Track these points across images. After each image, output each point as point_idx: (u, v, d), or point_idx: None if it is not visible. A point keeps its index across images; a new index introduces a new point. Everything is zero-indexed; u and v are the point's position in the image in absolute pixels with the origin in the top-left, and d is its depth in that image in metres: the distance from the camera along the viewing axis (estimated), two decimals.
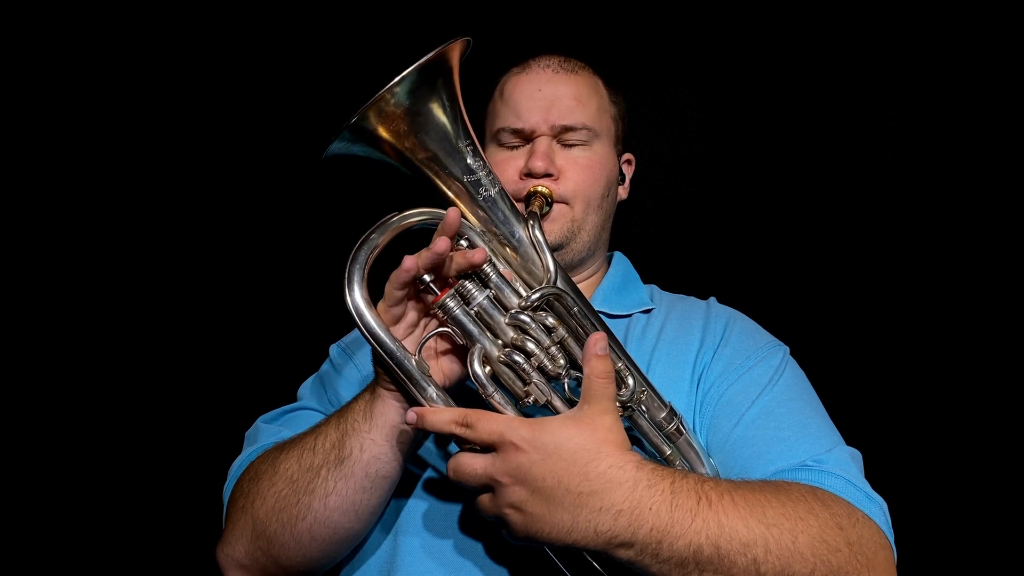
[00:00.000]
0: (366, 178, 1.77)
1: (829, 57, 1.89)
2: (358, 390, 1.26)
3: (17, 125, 1.87)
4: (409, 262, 0.92)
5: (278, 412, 1.28)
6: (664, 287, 1.49)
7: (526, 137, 1.30)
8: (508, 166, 1.29)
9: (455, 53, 1.02)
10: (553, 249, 1.17)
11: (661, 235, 2.01)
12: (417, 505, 1.10)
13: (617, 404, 0.93)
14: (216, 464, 1.28)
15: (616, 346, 1.05)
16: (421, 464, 1.13)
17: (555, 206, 1.27)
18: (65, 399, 1.88)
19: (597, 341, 0.90)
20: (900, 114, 1.85)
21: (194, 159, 1.96)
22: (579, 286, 1.34)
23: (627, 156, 1.49)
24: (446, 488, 1.09)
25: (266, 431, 1.21)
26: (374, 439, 0.99)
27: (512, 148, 1.32)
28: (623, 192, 1.48)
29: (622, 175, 1.47)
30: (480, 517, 0.92)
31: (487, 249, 0.98)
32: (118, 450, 1.89)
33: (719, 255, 1.96)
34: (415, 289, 0.98)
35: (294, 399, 1.34)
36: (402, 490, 1.10)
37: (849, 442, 1.12)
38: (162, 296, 1.94)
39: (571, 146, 1.31)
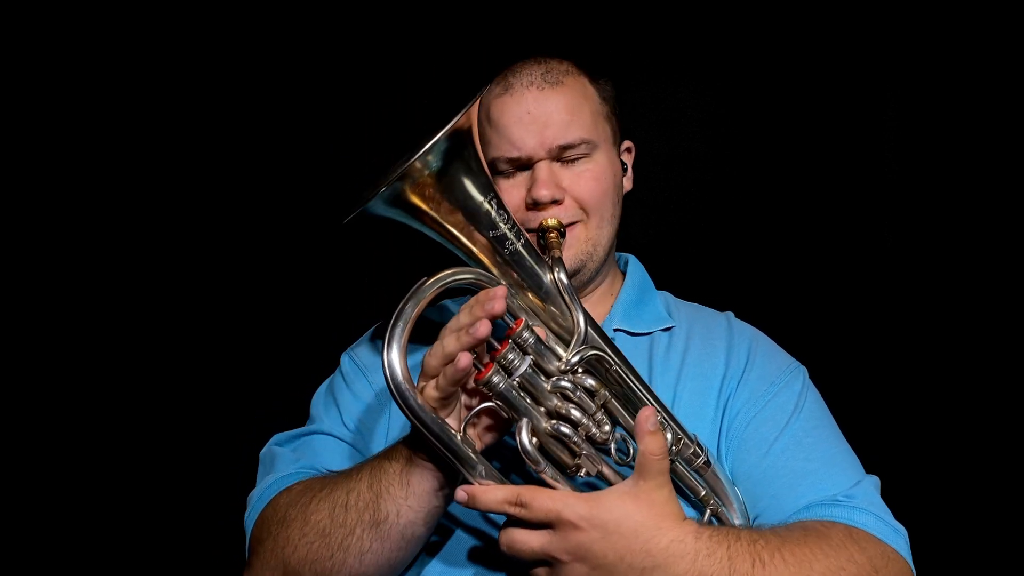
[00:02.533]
0: None
1: (829, 57, 1.88)
2: (370, 408, 1.25)
3: (35, 132, 1.87)
4: (464, 360, 0.89)
5: (292, 434, 1.25)
6: (664, 288, 1.48)
7: (524, 165, 1.24)
8: (510, 195, 1.23)
9: (475, 108, 0.99)
10: (572, 274, 1.16)
11: (661, 235, 2.01)
12: (460, 570, 1.09)
13: None
14: (228, 471, 1.29)
15: (655, 401, 1.06)
16: (462, 524, 1.12)
17: (568, 231, 1.23)
18: (78, 410, 1.89)
19: (648, 418, 0.89)
20: (900, 114, 1.86)
21: (212, 173, 1.97)
22: (595, 298, 1.34)
23: (627, 144, 1.41)
24: (490, 554, 1.09)
25: (282, 457, 1.19)
26: (410, 506, 0.98)
27: (510, 175, 1.25)
28: (627, 183, 1.41)
29: (624, 166, 1.40)
30: None
31: (524, 317, 0.97)
32: (127, 451, 1.90)
33: (719, 255, 1.97)
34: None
35: (305, 404, 1.32)
36: (445, 551, 1.10)
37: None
38: (177, 304, 1.95)
39: (572, 161, 1.25)
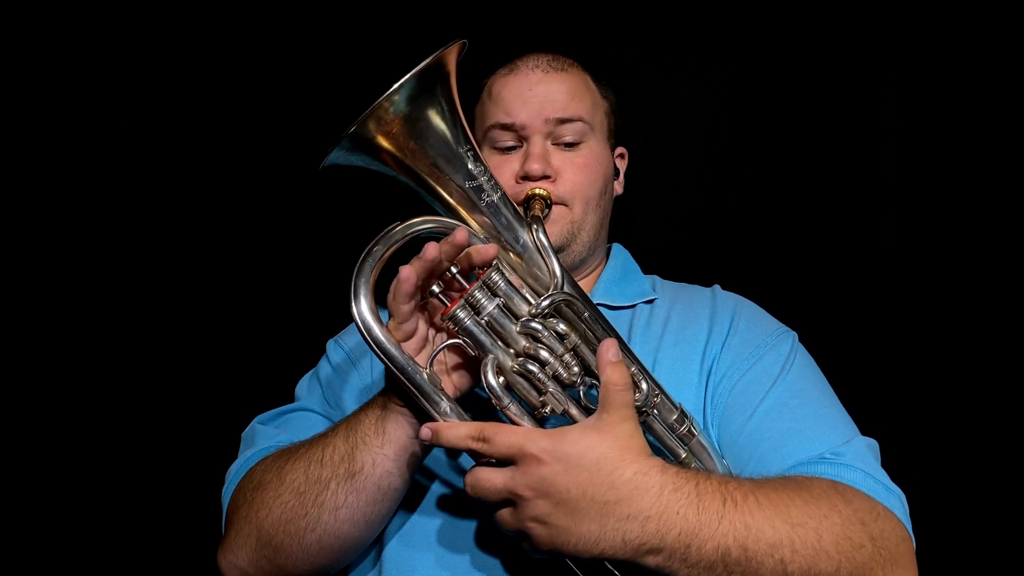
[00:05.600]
0: (362, 173, 1.75)
1: (829, 57, 1.88)
2: (356, 388, 1.26)
3: (20, 127, 1.87)
4: (405, 272, 0.90)
5: (275, 413, 1.25)
6: None
7: (518, 133, 1.27)
8: (503, 169, 1.26)
9: (452, 56, 0.99)
10: (557, 250, 1.14)
11: (661, 235, 2.00)
12: (429, 519, 1.08)
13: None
14: (213, 463, 1.26)
15: (626, 351, 1.03)
16: (430, 475, 1.11)
17: (554, 208, 1.24)
18: (65, 398, 1.88)
19: (609, 347, 0.88)
20: (900, 114, 1.84)
21: (191, 161, 1.95)
22: (581, 283, 1.33)
23: (620, 150, 1.45)
24: (459, 501, 1.07)
25: (263, 433, 1.19)
26: (386, 454, 0.97)
27: (505, 151, 1.28)
28: (618, 187, 1.45)
29: (616, 170, 1.44)
30: (498, 531, 0.90)
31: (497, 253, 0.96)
32: (116, 448, 1.88)
33: (719, 256, 1.94)
34: (423, 301, 0.96)
35: (291, 396, 1.32)
36: (412, 502, 1.08)
37: None
38: (159, 295, 1.93)
39: (566, 145, 1.28)
